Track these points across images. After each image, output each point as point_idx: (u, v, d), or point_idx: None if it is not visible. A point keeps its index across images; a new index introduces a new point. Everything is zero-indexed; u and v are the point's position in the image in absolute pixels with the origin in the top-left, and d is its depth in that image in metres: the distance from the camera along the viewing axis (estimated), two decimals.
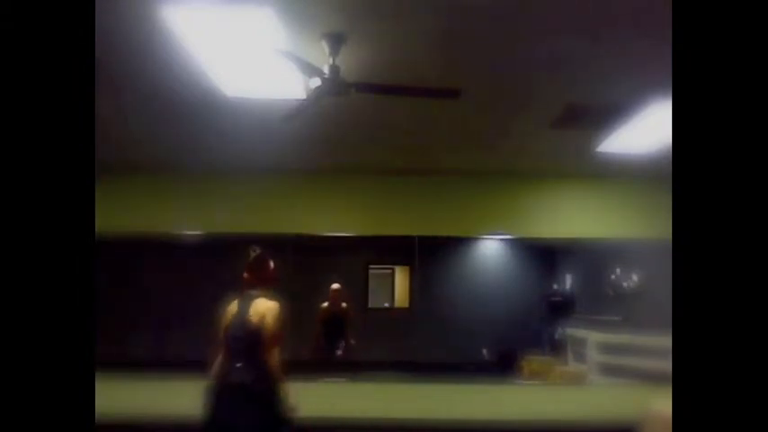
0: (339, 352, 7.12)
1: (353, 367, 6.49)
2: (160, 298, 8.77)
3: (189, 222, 6.01)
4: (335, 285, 7.35)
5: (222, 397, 3.48)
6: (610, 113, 4.14)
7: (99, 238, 1.91)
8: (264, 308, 3.57)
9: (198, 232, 6.23)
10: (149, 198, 5.92)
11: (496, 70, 3.53)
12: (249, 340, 3.51)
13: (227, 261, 8.99)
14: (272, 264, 3.75)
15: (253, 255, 3.70)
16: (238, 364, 3.50)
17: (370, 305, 9.19)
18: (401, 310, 9.45)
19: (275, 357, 3.49)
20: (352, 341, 7.28)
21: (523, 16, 2.88)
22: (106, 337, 4.29)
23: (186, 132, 4.78)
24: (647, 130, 4.32)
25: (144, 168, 5.77)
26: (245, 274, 3.66)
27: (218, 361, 3.63)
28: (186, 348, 8.07)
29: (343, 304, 7.34)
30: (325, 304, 7.22)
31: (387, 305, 9.49)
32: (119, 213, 5.60)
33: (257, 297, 3.62)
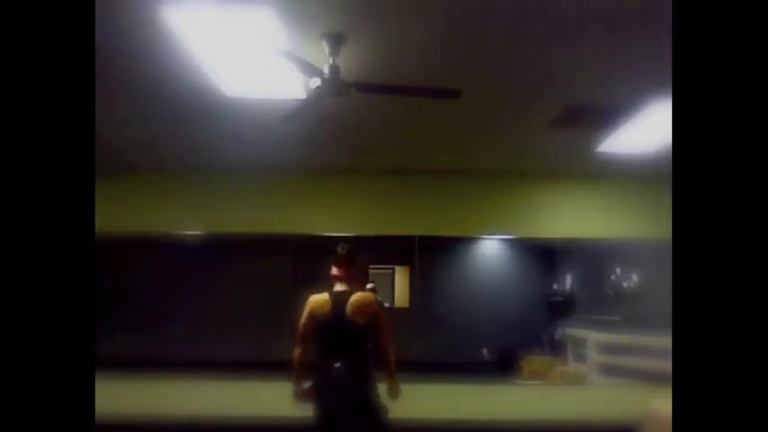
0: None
1: None
2: (160, 298, 8.77)
3: (189, 222, 6.01)
4: (371, 284, 6.53)
5: (324, 397, 3.35)
6: (610, 113, 4.14)
7: (99, 238, 1.91)
8: (365, 302, 3.40)
9: (198, 232, 6.24)
10: (149, 198, 5.92)
11: (496, 70, 3.53)
12: (351, 338, 3.36)
13: (227, 261, 8.99)
14: (357, 259, 3.57)
15: (342, 251, 3.51)
16: (337, 364, 3.31)
17: None
18: (401, 309, 9.46)
19: (392, 351, 3.42)
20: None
21: (523, 16, 2.88)
22: (106, 337, 4.29)
23: (186, 132, 4.78)
24: (647, 130, 4.32)
25: (144, 168, 5.78)
26: (336, 271, 3.45)
27: (301, 358, 3.46)
28: (186, 348, 8.08)
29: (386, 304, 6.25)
30: None
31: (387, 305, 9.49)
32: (119, 213, 5.60)
33: (351, 292, 3.42)
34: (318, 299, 3.43)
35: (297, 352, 3.45)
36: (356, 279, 3.53)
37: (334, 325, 3.36)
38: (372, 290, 6.47)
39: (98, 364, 1.65)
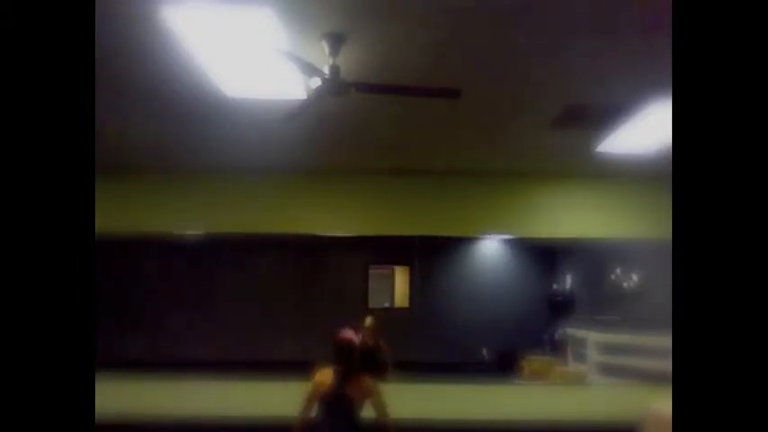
0: None
1: None
2: (160, 298, 8.78)
3: (189, 222, 6.00)
4: (370, 319, 6.21)
5: None
6: (610, 113, 4.14)
7: (99, 238, 1.91)
8: (363, 389, 3.63)
9: (198, 232, 6.23)
10: (149, 198, 5.92)
11: (496, 70, 3.53)
12: (351, 412, 3.59)
13: (227, 261, 8.98)
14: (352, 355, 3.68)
15: (336, 345, 3.66)
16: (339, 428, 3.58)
17: (370, 305, 9.21)
18: (401, 310, 9.47)
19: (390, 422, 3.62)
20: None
21: (523, 16, 2.88)
22: (106, 337, 4.29)
23: (186, 132, 4.78)
24: (647, 130, 4.32)
25: (144, 168, 5.77)
26: (334, 361, 3.63)
27: (303, 422, 3.65)
28: (186, 348, 8.09)
29: (381, 342, 5.96)
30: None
31: (387, 305, 9.51)
32: (119, 213, 5.60)
33: (355, 375, 3.63)
34: (323, 375, 3.64)
35: (300, 417, 3.65)
36: (350, 373, 3.62)
37: (335, 401, 3.59)
38: (371, 324, 6.17)
39: (98, 364, 1.65)
